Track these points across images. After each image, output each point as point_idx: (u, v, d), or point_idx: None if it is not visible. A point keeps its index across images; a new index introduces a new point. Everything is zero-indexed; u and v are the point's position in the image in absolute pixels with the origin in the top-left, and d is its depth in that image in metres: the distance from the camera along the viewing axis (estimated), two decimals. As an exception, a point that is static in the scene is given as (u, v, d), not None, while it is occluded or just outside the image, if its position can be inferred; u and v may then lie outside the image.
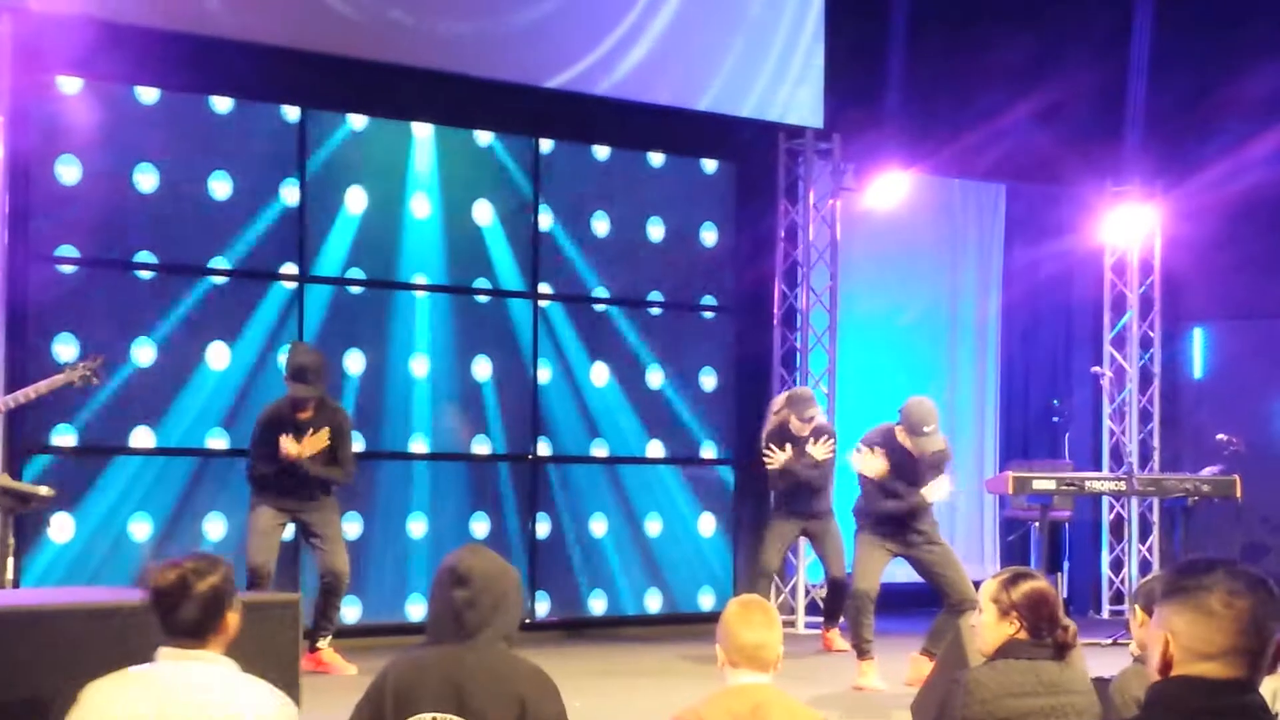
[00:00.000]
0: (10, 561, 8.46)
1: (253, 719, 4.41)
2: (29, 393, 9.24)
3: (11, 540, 8.46)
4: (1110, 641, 11.77)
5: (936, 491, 10.20)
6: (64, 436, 11.00)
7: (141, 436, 11.29)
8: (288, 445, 9.91)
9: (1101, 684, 5.81)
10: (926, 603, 11.00)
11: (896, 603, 11.91)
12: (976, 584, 5.71)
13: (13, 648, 6.29)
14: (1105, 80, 14.73)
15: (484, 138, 12.69)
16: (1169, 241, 15.18)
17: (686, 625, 12.91)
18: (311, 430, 10.02)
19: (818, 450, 11.37)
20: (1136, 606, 5.65)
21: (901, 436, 10.03)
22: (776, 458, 11.41)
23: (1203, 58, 14.56)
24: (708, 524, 13.58)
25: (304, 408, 9.99)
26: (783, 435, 11.52)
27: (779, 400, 11.92)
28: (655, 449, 13.36)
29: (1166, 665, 3.31)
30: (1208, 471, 12.58)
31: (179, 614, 4.50)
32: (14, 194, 10.66)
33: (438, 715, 4.66)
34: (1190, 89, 14.64)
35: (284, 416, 10.02)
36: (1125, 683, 5.58)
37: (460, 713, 4.66)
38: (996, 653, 5.40)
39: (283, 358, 10.78)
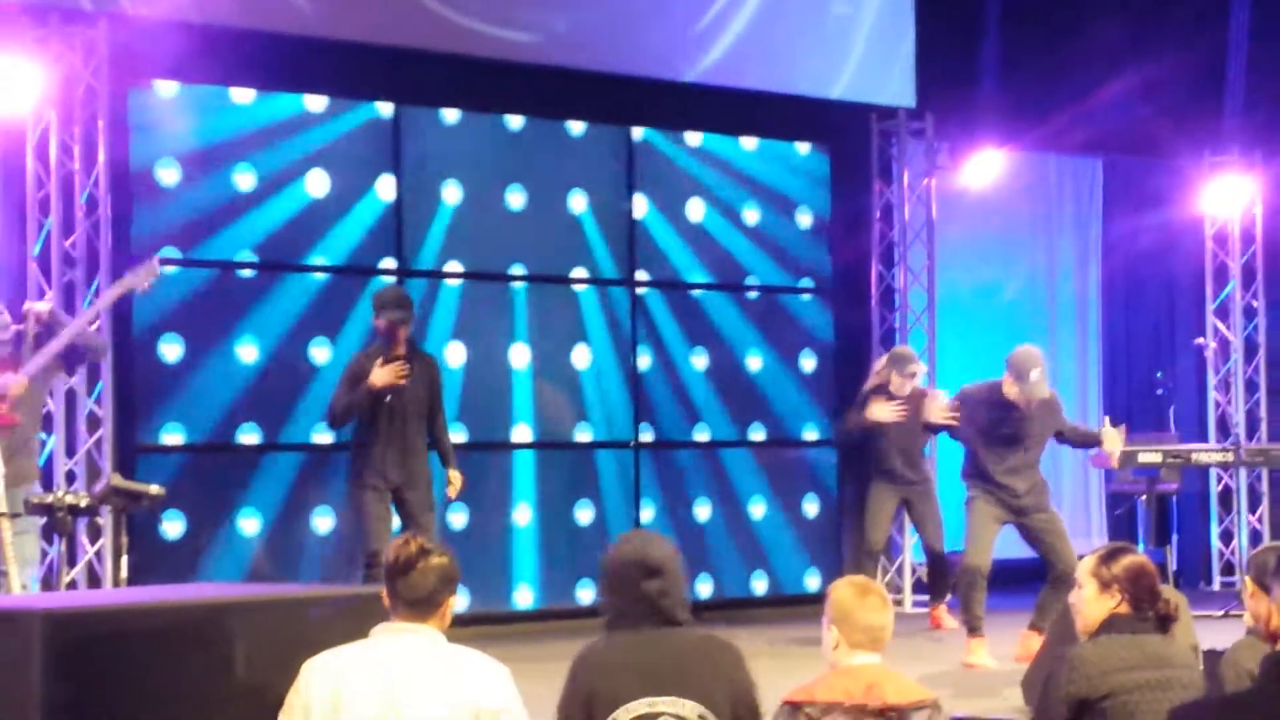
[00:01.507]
0: (124, 560, 8.56)
1: (476, 688, 4.49)
2: (99, 307, 9.55)
3: (125, 538, 8.56)
4: (1222, 614, 11.66)
5: (1113, 440, 10.20)
6: (173, 435, 11.15)
7: (248, 433, 11.42)
8: (378, 374, 9.52)
9: (1214, 656, 5.78)
10: (1036, 578, 10.93)
11: (1007, 579, 11.84)
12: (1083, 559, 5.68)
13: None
14: (1202, 51, 14.57)
15: (576, 128, 12.73)
16: (1270, 211, 15.01)
17: (793, 607, 12.92)
18: (403, 375, 9.64)
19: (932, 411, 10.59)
20: (1248, 578, 5.60)
21: (1008, 387, 9.93)
22: (877, 410, 11.16)
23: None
24: (811, 506, 13.58)
25: (397, 338, 9.68)
26: (880, 394, 11.43)
27: (881, 360, 11.84)
28: (756, 432, 13.38)
29: (1273, 636, 3.34)
30: (1316, 440, 12.47)
31: (414, 582, 4.59)
32: (116, 197, 10.79)
33: (655, 700, 4.76)
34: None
35: (375, 358, 9.69)
36: (1237, 655, 5.53)
37: (680, 694, 4.81)
38: (1101, 628, 5.38)
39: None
